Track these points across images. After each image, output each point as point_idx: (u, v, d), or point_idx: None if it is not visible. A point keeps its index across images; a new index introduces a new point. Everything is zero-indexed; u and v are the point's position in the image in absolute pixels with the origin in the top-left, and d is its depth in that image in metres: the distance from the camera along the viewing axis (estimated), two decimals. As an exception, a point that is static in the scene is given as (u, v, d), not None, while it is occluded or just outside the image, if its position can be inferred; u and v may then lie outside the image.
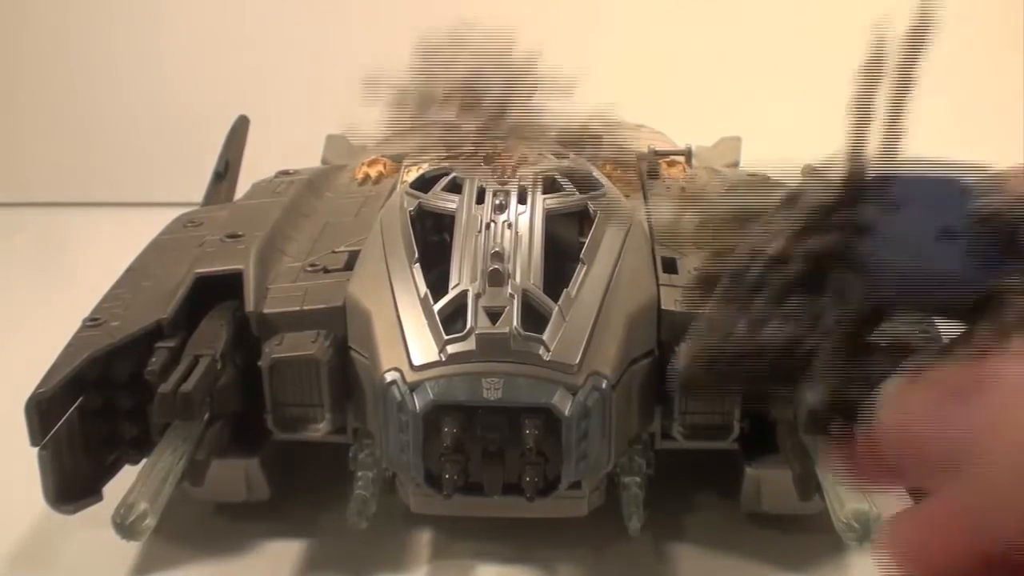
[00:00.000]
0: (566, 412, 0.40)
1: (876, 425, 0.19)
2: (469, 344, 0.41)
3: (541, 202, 0.46)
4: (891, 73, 0.19)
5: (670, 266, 0.46)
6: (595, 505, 0.45)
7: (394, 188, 0.55)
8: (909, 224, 0.18)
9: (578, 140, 0.19)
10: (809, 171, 0.20)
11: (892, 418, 0.19)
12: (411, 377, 0.41)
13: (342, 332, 0.45)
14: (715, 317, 0.20)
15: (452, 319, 0.42)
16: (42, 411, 0.41)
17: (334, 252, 0.49)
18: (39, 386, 0.42)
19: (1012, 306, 0.17)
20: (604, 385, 0.40)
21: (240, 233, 0.51)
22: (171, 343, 0.44)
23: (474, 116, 0.21)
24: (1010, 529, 0.17)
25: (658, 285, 0.45)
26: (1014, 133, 0.92)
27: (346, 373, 0.45)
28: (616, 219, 0.47)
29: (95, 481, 0.44)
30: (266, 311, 0.45)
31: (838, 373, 0.19)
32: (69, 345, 0.44)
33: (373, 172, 0.61)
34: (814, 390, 0.20)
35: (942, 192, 0.19)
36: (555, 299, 0.42)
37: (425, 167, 0.52)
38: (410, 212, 0.47)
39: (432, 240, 0.47)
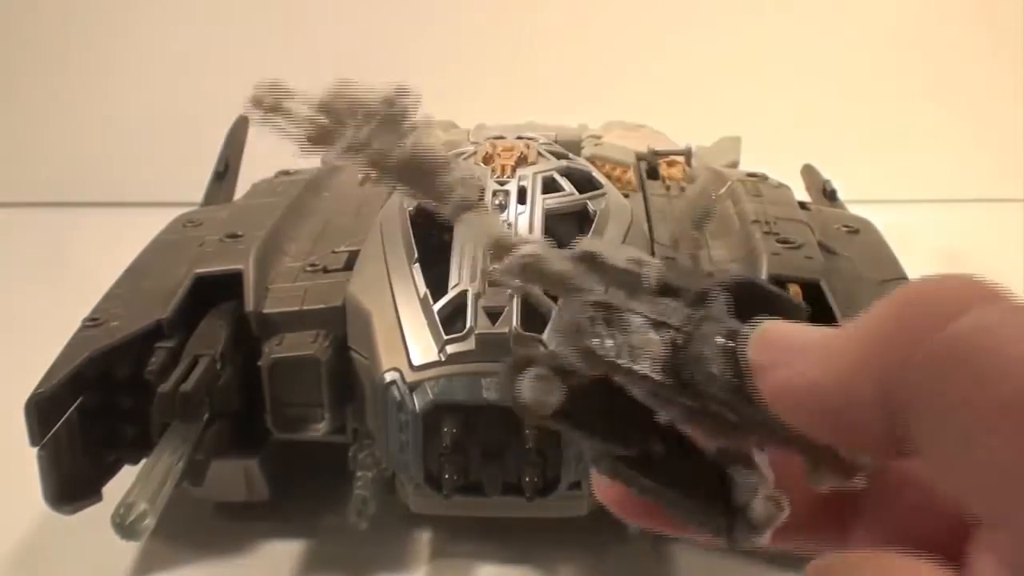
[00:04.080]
0: (566, 412, 0.40)
1: None
2: (469, 344, 0.41)
3: (541, 202, 0.46)
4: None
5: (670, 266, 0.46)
6: (595, 505, 0.45)
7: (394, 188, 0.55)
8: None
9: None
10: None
11: None
12: (411, 377, 0.41)
13: (342, 332, 0.45)
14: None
15: (452, 319, 0.42)
16: (41, 411, 0.41)
17: (334, 252, 0.49)
18: (38, 386, 0.42)
19: None
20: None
21: (240, 233, 0.51)
22: (171, 343, 0.44)
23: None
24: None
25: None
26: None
27: (346, 373, 0.45)
28: (615, 219, 0.47)
29: (94, 481, 0.44)
30: (266, 311, 0.45)
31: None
32: (69, 345, 0.44)
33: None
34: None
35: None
36: (554, 299, 0.42)
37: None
38: (410, 212, 0.47)
39: (432, 240, 0.47)
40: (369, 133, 0.20)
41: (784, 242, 0.49)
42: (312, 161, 0.69)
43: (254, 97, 0.20)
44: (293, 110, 0.20)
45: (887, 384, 0.17)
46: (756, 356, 0.18)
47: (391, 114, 0.20)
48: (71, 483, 0.43)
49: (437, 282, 0.43)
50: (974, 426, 0.15)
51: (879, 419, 0.17)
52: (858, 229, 0.55)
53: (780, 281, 0.44)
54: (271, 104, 0.20)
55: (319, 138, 0.20)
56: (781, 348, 0.18)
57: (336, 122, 0.20)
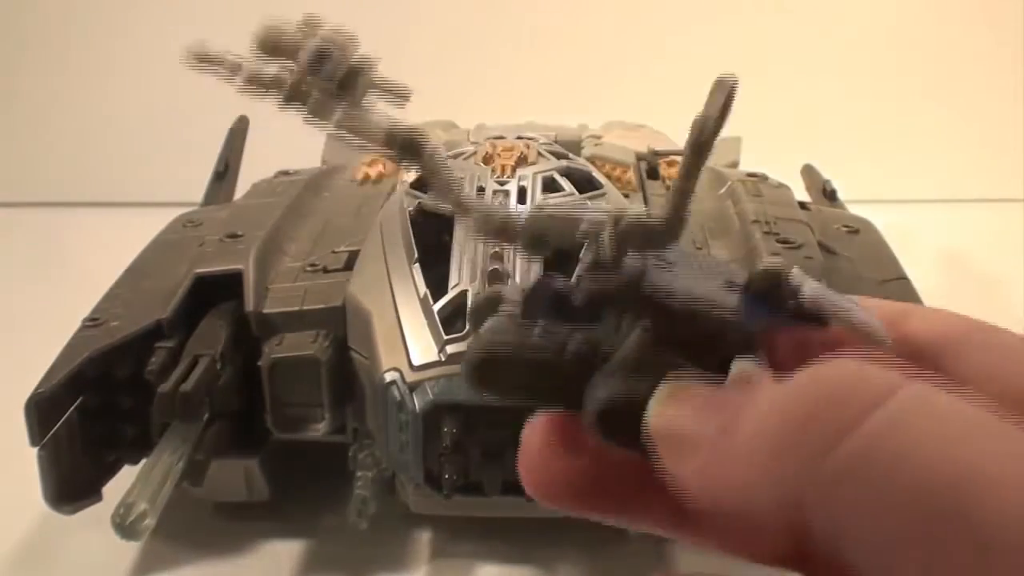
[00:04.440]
0: (566, 412, 0.40)
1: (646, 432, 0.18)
2: (469, 344, 0.41)
3: (541, 202, 0.46)
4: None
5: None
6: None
7: (394, 188, 0.55)
8: (699, 270, 0.20)
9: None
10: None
11: (659, 422, 0.18)
12: (411, 377, 0.41)
13: (342, 332, 0.45)
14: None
15: (452, 319, 0.42)
16: (41, 411, 0.41)
17: (334, 252, 0.49)
18: (38, 386, 0.42)
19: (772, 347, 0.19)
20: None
21: (240, 233, 0.51)
22: (171, 343, 0.44)
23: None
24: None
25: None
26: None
27: (346, 373, 0.45)
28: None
29: (95, 481, 0.44)
30: (266, 311, 0.45)
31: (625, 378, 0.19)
32: (69, 345, 0.44)
33: (373, 172, 0.61)
34: (603, 387, 0.19)
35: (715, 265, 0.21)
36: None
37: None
38: (410, 212, 0.47)
39: (432, 240, 0.47)
40: (308, 81, 0.20)
41: (784, 242, 0.49)
42: (312, 161, 0.69)
43: (191, 53, 0.20)
44: (231, 60, 0.20)
45: (793, 494, 0.15)
46: (657, 430, 0.18)
47: (332, 64, 0.20)
48: (71, 483, 0.43)
49: (437, 282, 0.43)
50: (896, 541, 0.14)
51: (781, 530, 0.16)
52: (858, 229, 0.55)
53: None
54: (208, 57, 0.20)
55: (259, 82, 0.20)
56: (683, 435, 0.17)
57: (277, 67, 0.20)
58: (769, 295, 0.19)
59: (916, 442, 0.14)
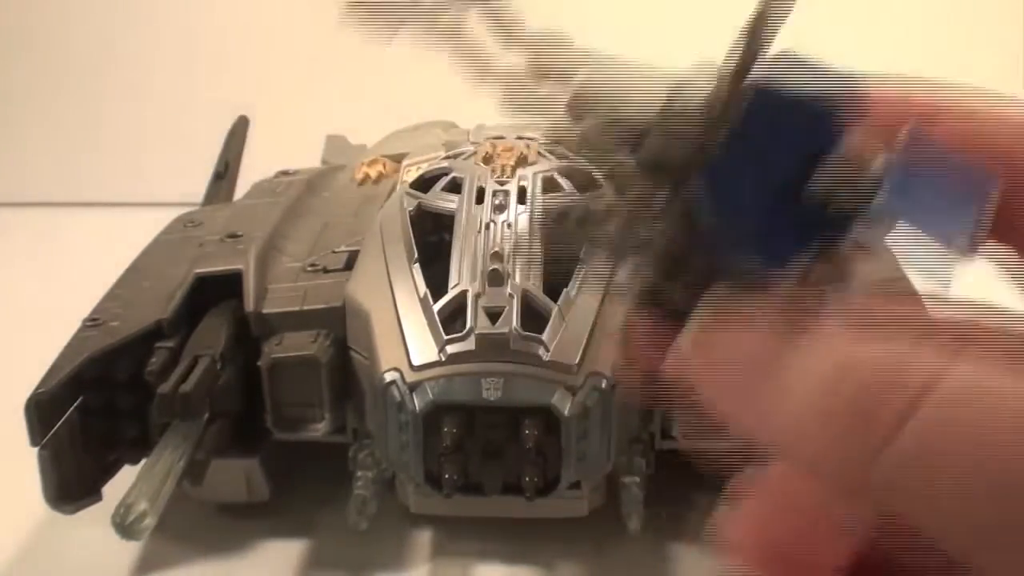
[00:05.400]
0: (566, 412, 0.40)
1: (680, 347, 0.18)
2: (469, 344, 0.41)
3: (541, 202, 0.46)
4: None
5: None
6: (595, 505, 0.45)
7: (394, 188, 0.55)
8: (762, 166, 0.18)
9: None
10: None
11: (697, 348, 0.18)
12: (411, 377, 0.41)
13: (342, 332, 0.45)
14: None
15: (452, 319, 0.42)
16: (42, 411, 0.41)
17: (334, 252, 0.49)
18: (39, 386, 0.42)
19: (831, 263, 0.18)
20: (604, 385, 0.40)
21: (240, 233, 0.51)
22: (171, 343, 0.44)
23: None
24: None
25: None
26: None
27: (346, 373, 0.45)
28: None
29: (95, 481, 0.44)
30: (266, 311, 0.45)
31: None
32: (69, 345, 0.44)
33: (373, 172, 0.61)
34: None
35: (809, 121, 0.18)
36: (555, 299, 0.42)
37: (424, 167, 0.52)
38: (410, 212, 0.47)
39: (432, 240, 0.47)
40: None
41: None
42: (312, 161, 0.69)
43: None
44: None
45: (856, 473, 0.15)
46: (700, 358, 0.17)
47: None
48: (71, 483, 0.43)
49: (437, 282, 0.43)
50: (982, 528, 0.15)
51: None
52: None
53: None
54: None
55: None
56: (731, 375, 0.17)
57: None
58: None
59: (971, 418, 0.15)
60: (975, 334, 0.16)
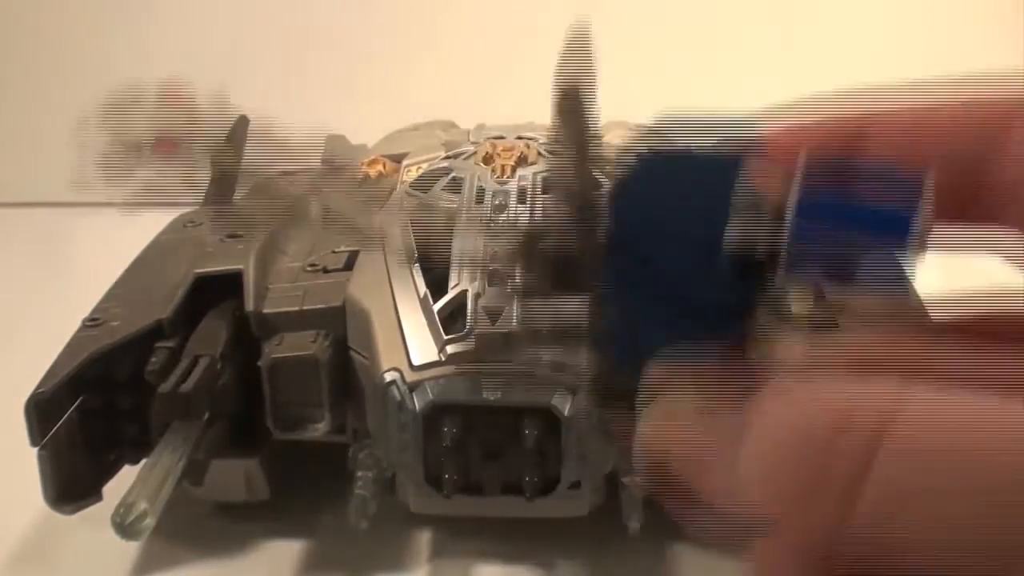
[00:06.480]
0: (566, 412, 0.40)
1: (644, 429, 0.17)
2: (469, 344, 0.41)
3: (541, 202, 0.46)
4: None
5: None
6: (595, 505, 0.45)
7: (394, 188, 0.55)
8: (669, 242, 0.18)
9: None
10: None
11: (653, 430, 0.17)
12: (411, 377, 0.41)
13: (342, 332, 0.45)
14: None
15: (452, 319, 0.42)
16: (42, 411, 0.41)
17: (334, 252, 0.49)
18: (39, 386, 0.42)
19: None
20: (604, 385, 0.40)
21: (240, 233, 0.51)
22: (171, 343, 0.44)
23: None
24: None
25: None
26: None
27: (346, 373, 0.45)
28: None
29: (95, 481, 0.44)
30: (266, 311, 0.45)
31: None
32: (69, 345, 0.44)
33: (373, 172, 0.61)
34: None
35: (703, 173, 0.18)
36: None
37: (425, 167, 0.52)
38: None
39: (432, 240, 0.47)
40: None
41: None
42: (311, 162, 0.69)
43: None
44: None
45: (826, 530, 0.14)
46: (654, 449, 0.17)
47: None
48: (71, 483, 0.43)
49: (437, 282, 0.43)
50: (972, 545, 0.14)
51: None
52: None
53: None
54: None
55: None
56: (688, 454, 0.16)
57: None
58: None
59: (933, 458, 0.14)
60: (922, 359, 0.16)
